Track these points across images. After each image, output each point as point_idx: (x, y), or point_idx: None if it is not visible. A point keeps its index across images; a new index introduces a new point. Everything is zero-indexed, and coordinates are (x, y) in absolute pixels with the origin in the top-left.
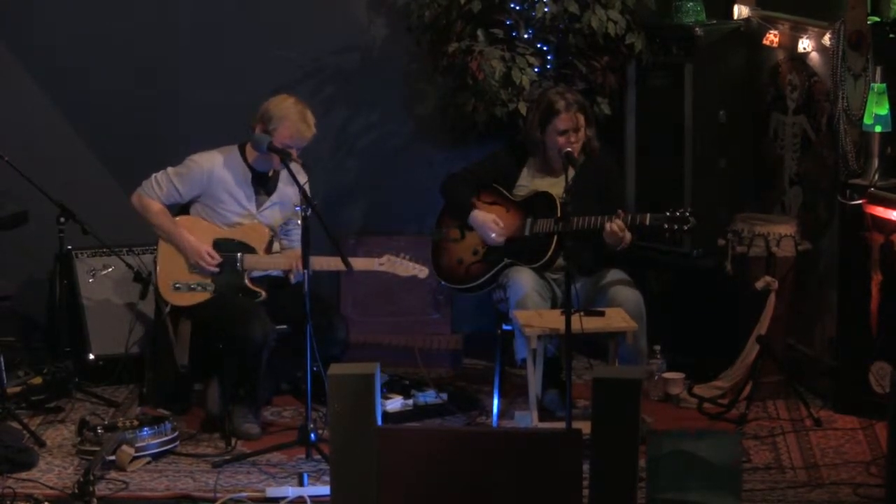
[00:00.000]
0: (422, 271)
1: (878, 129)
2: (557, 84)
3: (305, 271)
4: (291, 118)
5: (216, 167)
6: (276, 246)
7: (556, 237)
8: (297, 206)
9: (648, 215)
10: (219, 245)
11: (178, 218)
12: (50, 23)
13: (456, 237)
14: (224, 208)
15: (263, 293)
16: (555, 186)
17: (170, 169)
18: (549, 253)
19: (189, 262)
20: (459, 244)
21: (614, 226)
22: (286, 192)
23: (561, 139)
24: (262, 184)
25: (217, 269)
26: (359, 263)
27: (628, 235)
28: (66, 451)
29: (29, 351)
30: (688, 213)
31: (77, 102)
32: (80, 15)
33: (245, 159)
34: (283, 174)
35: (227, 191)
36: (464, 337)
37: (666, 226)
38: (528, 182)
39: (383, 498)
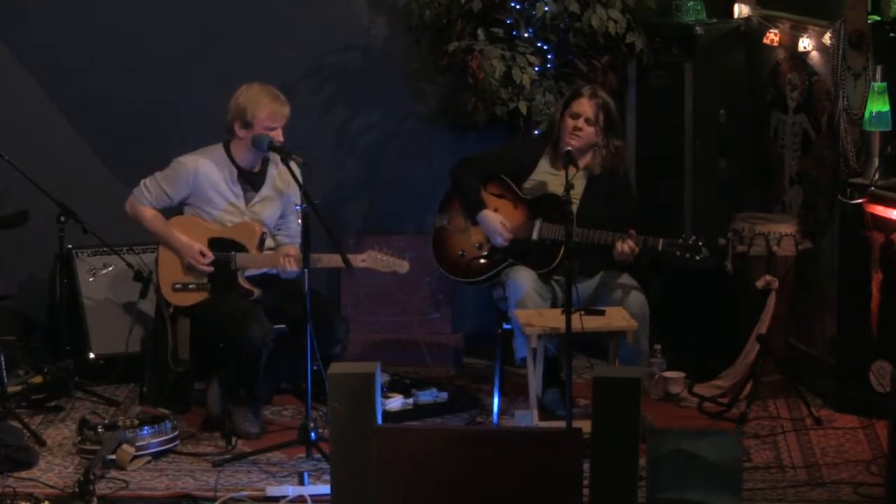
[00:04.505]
0: (402, 266)
1: (878, 128)
2: (558, 83)
3: (305, 270)
4: (264, 100)
5: (201, 166)
6: (268, 242)
7: (564, 247)
8: (297, 204)
9: (661, 240)
10: (213, 244)
11: (174, 218)
12: (50, 22)
13: (461, 227)
14: (213, 207)
15: (257, 292)
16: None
17: (157, 174)
18: (556, 262)
19: (184, 262)
20: (463, 235)
21: (626, 246)
22: (277, 186)
23: (570, 121)
24: (249, 180)
25: (210, 269)
26: (341, 261)
27: (637, 250)
28: (66, 450)
29: (29, 350)
30: (701, 244)
31: (77, 102)
32: (81, 14)
33: (230, 157)
34: (271, 168)
35: (215, 189)
36: (464, 336)
37: (678, 253)
38: (541, 175)
39: (383, 497)
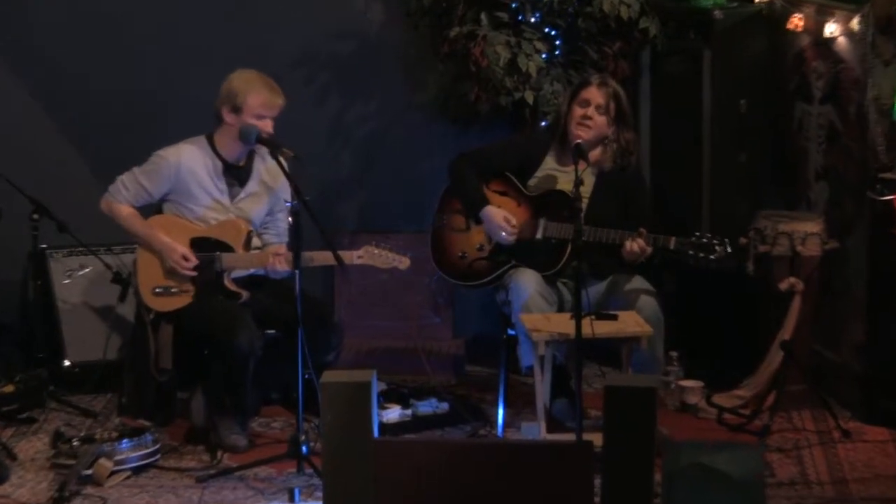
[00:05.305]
0: (402, 262)
1: None
2: (567, 71)
3: (297, 271)
4: (258, 86)
5: (184, 160)
6: (255, 241)
7: (570, 245)
8: (287, 201)
9: (673, 239)
10: (196, 245)
11: (152, 217)
12: (30, 15)
13: (460, 227)
14: (196, 203)
15: (245, 294)
16: (572, 182)
17: (135, 169)
18: (562, 262)
19: (165, 265)
20: (463, 235)
21: (635, 245)
22: (264, 181)
23: (578, 110)
24: (235, 175)
25: (194, 273)
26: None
27: (648, 249)
28: (39, 465)
29: None
30: (716, 242)
31: (53, 95)
32: (62, 7)
33: (215, 149)
34: (257, 163)
35: (198, 183)
36: (466, 342)
37: (692, 252)
38: (547, 172)
39: None
